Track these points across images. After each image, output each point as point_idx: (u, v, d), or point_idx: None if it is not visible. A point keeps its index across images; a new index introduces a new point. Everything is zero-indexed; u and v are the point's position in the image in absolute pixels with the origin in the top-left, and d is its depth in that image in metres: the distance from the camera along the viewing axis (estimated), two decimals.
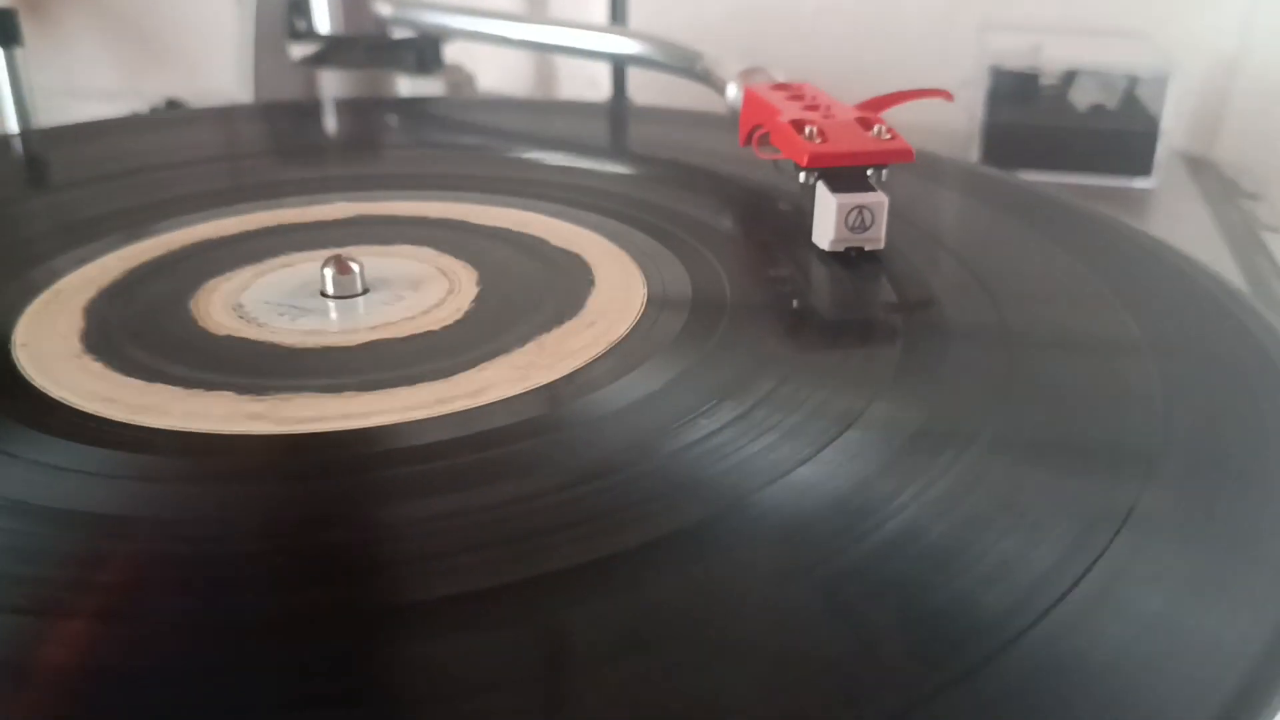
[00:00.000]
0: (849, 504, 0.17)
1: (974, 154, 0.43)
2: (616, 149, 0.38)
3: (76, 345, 0.22)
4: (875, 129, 0.26)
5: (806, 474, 0.17)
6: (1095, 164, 0.43)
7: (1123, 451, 0.18)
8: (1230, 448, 0.19)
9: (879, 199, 0.25)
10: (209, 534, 0.16)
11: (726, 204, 0.30)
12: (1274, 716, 0.13)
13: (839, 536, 0.16)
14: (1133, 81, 0.44)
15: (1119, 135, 0.43)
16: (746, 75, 0.31)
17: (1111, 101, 0.44)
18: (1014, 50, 0.45)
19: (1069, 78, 0.44)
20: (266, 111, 0.43)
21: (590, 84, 0.57)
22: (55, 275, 0.25)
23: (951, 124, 0.44)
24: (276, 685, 0.13)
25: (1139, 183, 0.43)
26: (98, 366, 0.21)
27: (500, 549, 0.15)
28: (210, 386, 0.20)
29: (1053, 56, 0.44)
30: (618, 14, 0.45)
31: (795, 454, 0.18)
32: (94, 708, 0.13)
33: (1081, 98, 0.44)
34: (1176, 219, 0.41)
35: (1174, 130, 0.48)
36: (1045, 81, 0.44)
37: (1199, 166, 0.47)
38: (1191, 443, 0.19)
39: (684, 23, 0.58)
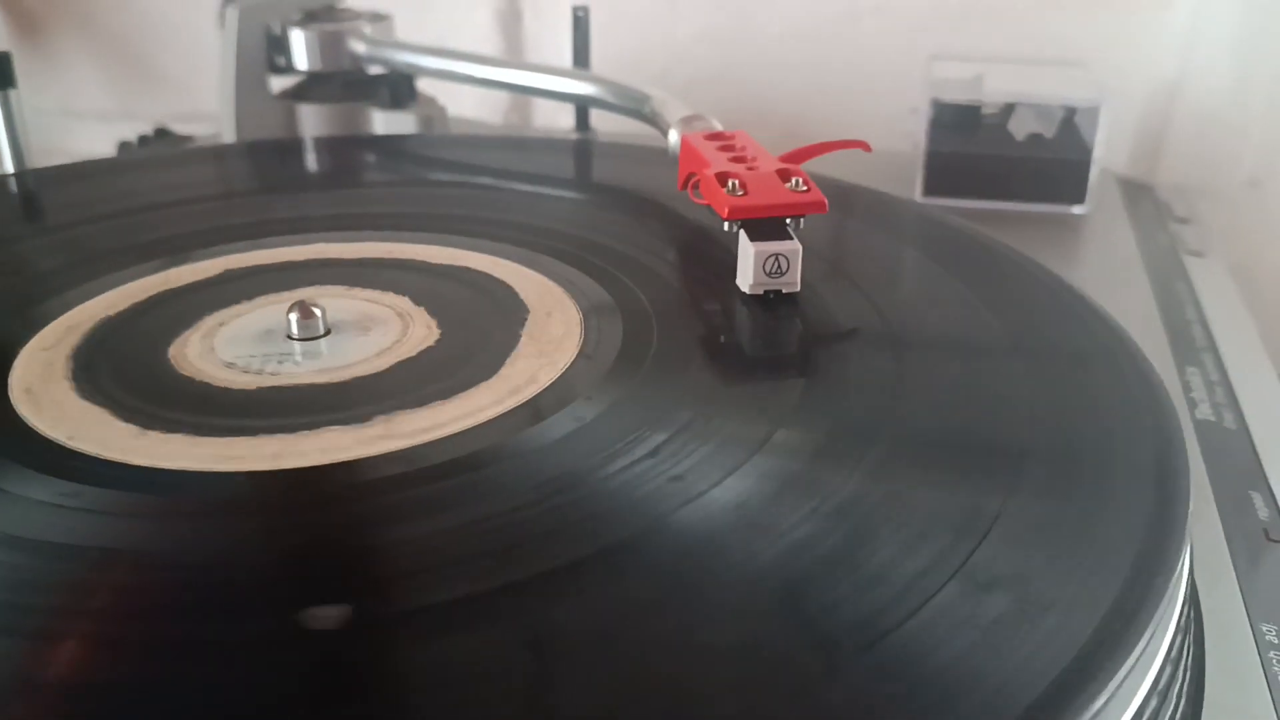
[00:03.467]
0: (757, 518, 0.19)
1: (917, 182, 0.46)
2: (571, 186, 0.40)
3: (67, 389, 0.24)
4: (793, 181, 0.28)
5: (720, 494, 0.20)
6: (1032, 192, 0.45)
7: (991, 469, 0.21)
8: (1084, 459, 0.21)
9: (794, 247, 0.27)
10: (198, 563, 0.19)
11: (669, 244, 0.33)
12: (1102, 689, 0.16)
13: (747, 545, 0.19)
14: (1070, 111, 0.46)
15: (1054, 164, 0.45)
16: (686, 123, 0.33)
17: (1049, 131, 0.46)
18: (957, 81, 0.47)
19: (1009, 108, 0.46)
20: (248, 150, 0.45)
21: (564, 108, 0.60)
22: (47, 317, 0.28)
23: (899, 152, 0.47)
24: (273, 691, 0.16)
25: (1074, 209, 0.45)
26: (85, 407, 0.23)
27: (467, 564, 0.18)
28: (189, 428, 0.22)
29: (994, 88, 0.46)
30: (580, 39, 0.47)
31: (711, 476, 0.21)
32: None
33: (1020, 127, 0.46)
34: (1105, 244, 0.43)
35: (1113, 156, 0.50)
36: (986, 112, 0.46)
37: (1139, 192, 0.50)
38: (1049, 458, 0.21)
39: (655, 46, 0.61)
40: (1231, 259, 0.43)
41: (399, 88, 0.47)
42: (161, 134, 0.54)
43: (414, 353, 0.26)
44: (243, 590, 0.18)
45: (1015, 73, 0.49)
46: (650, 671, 0.16)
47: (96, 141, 0.61)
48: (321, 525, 0.20)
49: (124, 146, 0.54)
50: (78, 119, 0.68)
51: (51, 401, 0.24)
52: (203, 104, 0.61)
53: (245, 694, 0.16)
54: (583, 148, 0.45)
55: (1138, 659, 0.16)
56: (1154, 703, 0.18)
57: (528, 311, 0.28)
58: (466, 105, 0.59)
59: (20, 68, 0.41)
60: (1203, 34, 0.53)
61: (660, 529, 0.19)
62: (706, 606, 0.17)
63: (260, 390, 0.24)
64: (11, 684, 0.16)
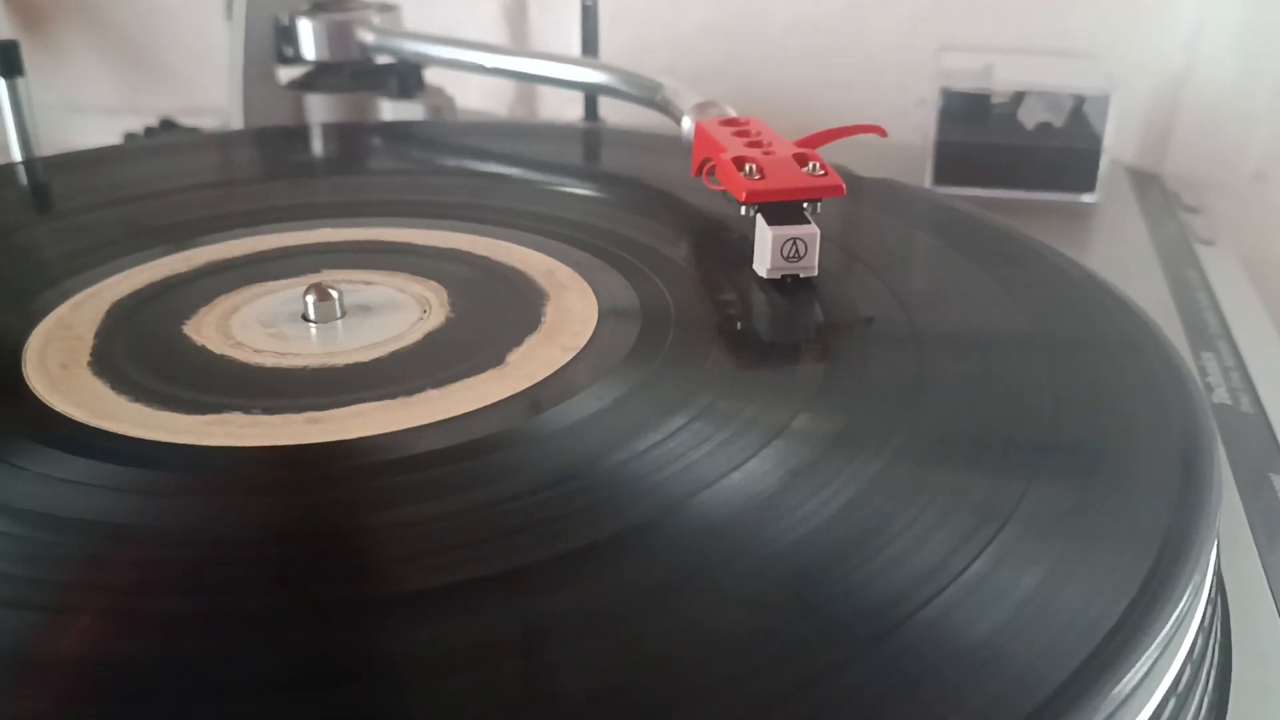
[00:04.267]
0: (773, 504, 0.19)
1: (927, 172, 0.46)
2: (582, 173, 0.40)
3: (82, 366, 0.24)
4: (810, 165, 0.28)
5: (738, 478, 0.20)
6: (1042, 181, 0.45)
7: (1013, 453, 0.21)
8: (1105, 446, 0.21)
9: (811, 231, 0.27)
10: (212, 539, 0.19)
11: (683, 230, 0.33)
12: (1122, 679, 0.15)
13: (763, 532, 0.18)
14: (1079, 101, 0.46)
15: (1064, 153, 0.45)
16: (699, 109, 0.33)
17: (1058, 120, 0.46)
18: (966, 71, 0.47)
19: (1018, 97, 0.46)
20: (257, 137, 0.45)
21: (570, 100, 0.60)
22: (60, 299, 0.28)
23: (907, 142, 0.47)
24: (277, 669, 0.16)
25: (1084, 198, 0.45)
26: (101, 386, 0.23)
27: (475, 548, 0.18)
28: (205, 407, 0.22)
29: (1003, 77, 0.46)
30: (589, 29, 0.47)
31: (729, 461, 0.20)
32: (101, 695, 0.15)
33: (1030, 117, 0.46)
34: (1116, 232, 0.43)
35: (1121, 146, 0.50)
36: (996, 101, 0.46)
37: (1147, 181, 0.50)
38: (1073, 441, 0.21)
39: (659, 38, 0.61)
40: (1238, 251, 0.43)
41: (407, 78, 0.47)
42: (167, 126, 0.54)
43: (428, 336, 0.26)
44: (247, 569, 0.18)
45: (1024, 63, 0.49)
46: (663, 658, 0.16)
47: (102, 136, 0.61)
48: (331, 505, 0.20)
49: (130, 139, 0.54)
50: (82, 113, 0.68)
51: (66, 381, 0.24)
52: (208, 97, 0.61)
53: (245, 673, 0.16)
54: (594, 135, 0.45)
55: (1167, 642, 0.16)
56: (1181, 687, 0.18)
57: (543, 297, 0.28)
58: (473, 96, 0.59)
59: (25, 62, 0.41)
60: (1210, 26, 0.53)
61: (677, 514, 0.19)
62: (722, 593, 0.17)
63: (275, 371, 0.24)
64: (27, 658, 0.16)
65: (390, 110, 0.47)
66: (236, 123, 0.48)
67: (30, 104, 0.40)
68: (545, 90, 0.63)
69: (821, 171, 0.28)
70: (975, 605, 0.17)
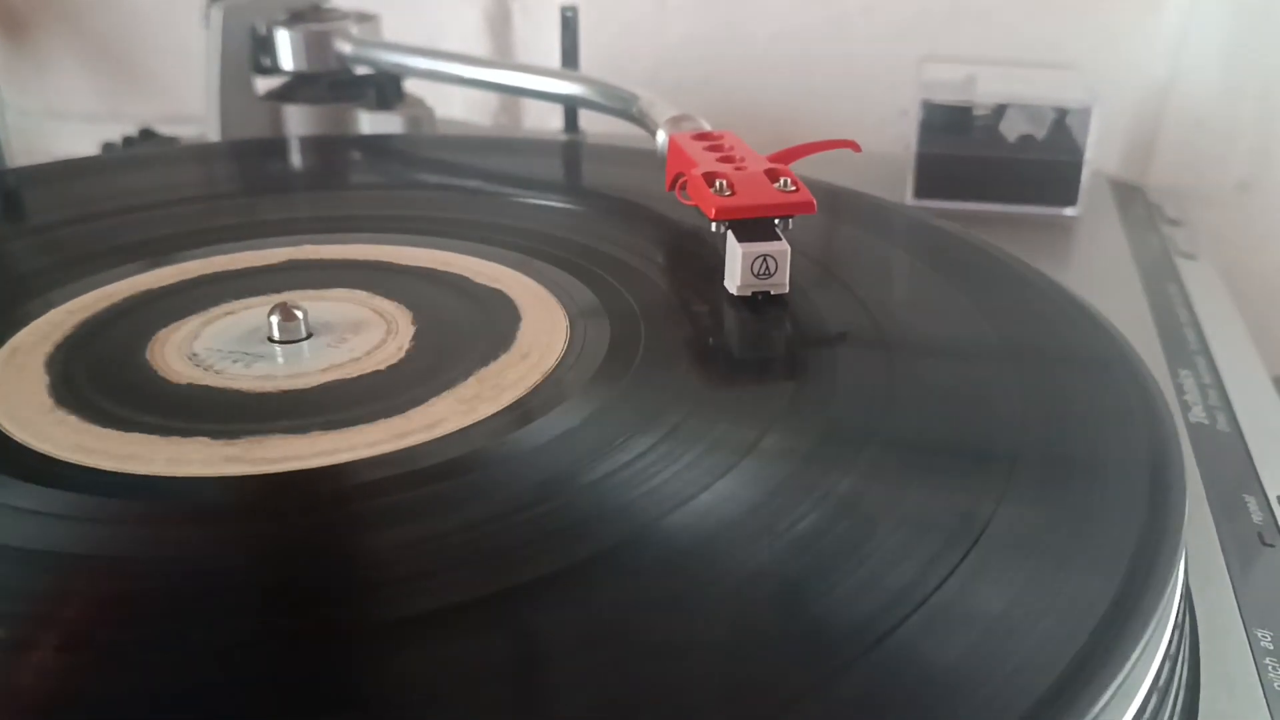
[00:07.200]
0: (745, 525, 0.19)
1: (908, 184, 0.46)
2: (557, 187, 0.40)
3: (43, 394, 0.24)
4: (781, 181, 0.28)
5: (709, 499, 0.20)
6: (1024, 194, 0.45)
7: (983, 472, 0.21)
8: (1078, 463, 0.21)
9: (782, 248, 0.27)
10: (172, 570, 0.18)
11: (656, 245, 0.32)
12: (1099, 694, 0.15)
13: (732, 554, 0.18)
14: (1061, 113, 0.46)
15: (1046, 165, 0.45)
16: (674, 123, 0.33)
17: (1040, 133, 0.46)
18: (947, 83, 0.47)
19: (1000, 110, 0.46)
20: (231, 150, 0.45)
21: (554, 110, 0.59)
22: (25, 319, 0.27)
23: (890, 154, 0.47)
24: (269, 699, 0.16)
25: (1066, 211, 0.45)
26: (64, 415, 0.23)
27: (465, 569, 0.18)
28: (171, 432, 0.22)
29: (985, 89, 0.46)
30: (569, 40, 0.47)
31: (700, 481, 0.20)
32: None
33: (1011, 129, 0.46)
34: (1097, 246, 0.43)
35: (1104, 159, 0.50)
36: (977, 113, 0.46)
37: (1130, 194, 0.50)
38: (1042, 461, 0.21)
39: (643, 48, 0.60)
40: (1221, 262, 0.43)
41: (386, 89, 0.46)
42: (146, 135, 0.53)
43: (398, 356, 0.25)
44: (225, 598, 0.18)
45: (1006, 75, 0.49)
46: (642, 680, 0.16)
47: (81, 143, 0.60)
48: (302, 531, 0.20)
49: (107, 148, 0.53)
50: (63, 120, 0.68)
51: (26, 405, 0.23)
52: (190, 105, 0.60)
53: (228, 704, 0.15)
54: (570, 149, 0.44)
55: (1134, 663, 0.16)
56: (1150, 707, 0.18)
57: (514, 314, 0.27)
58: (456, 107, 0.59)
59: (4, 68, 0.41)
60: (1193, 38, 0.53)
61: (650, 534, 0.19)
62: (698, 613, 0.17)
63: (239, 394, 0.24)
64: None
65: (369, 122, 0.47)
66: (213, 134, 0.47)
67: (3, 116, 0.40)
68: (528, 100, 0.62)
69: (793, 188, 0.28)
70: (944, 628, 0.17)
